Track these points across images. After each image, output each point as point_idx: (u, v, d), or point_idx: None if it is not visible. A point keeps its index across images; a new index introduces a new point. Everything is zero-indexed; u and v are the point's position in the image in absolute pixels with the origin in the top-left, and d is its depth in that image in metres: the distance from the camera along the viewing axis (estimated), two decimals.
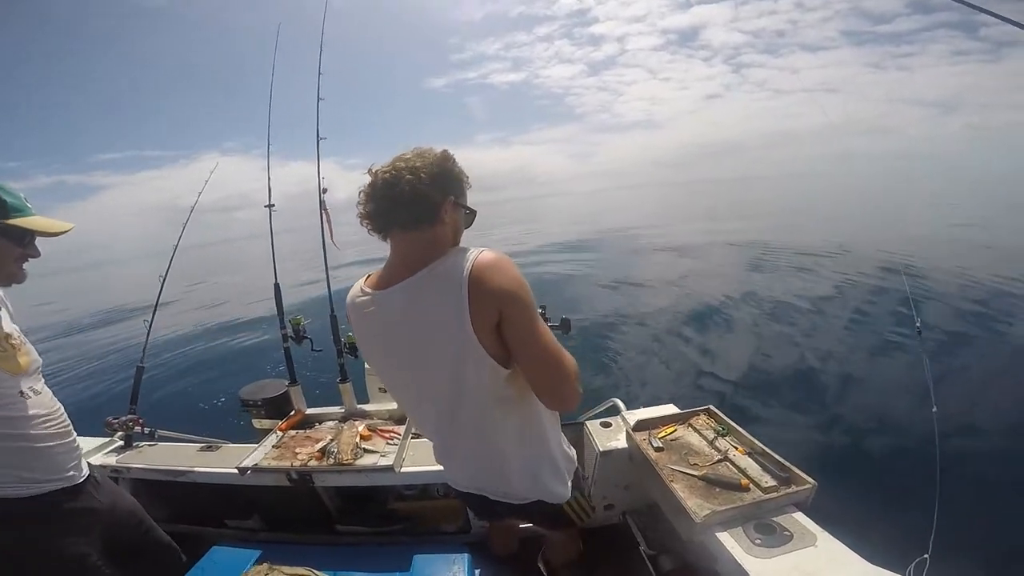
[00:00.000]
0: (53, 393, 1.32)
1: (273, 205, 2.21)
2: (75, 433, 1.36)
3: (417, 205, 0.99)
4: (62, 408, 1.32)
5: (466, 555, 1.51)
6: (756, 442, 1.51)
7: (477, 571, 1.52)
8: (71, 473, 1.31)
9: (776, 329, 6.07)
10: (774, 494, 1.30)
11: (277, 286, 2.17)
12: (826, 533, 1.17)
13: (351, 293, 1.14)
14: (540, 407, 1.11)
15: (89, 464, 1.40)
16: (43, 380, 1.30)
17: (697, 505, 1.31)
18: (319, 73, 2.19)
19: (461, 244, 1.10)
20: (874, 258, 9.39)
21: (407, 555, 1.52)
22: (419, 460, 1.76)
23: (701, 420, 1.74)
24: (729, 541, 1.19)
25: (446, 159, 1.05)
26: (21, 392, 1.18)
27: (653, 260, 12.55)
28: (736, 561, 1.12)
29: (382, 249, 1.10)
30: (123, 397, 2.09)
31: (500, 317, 0.97)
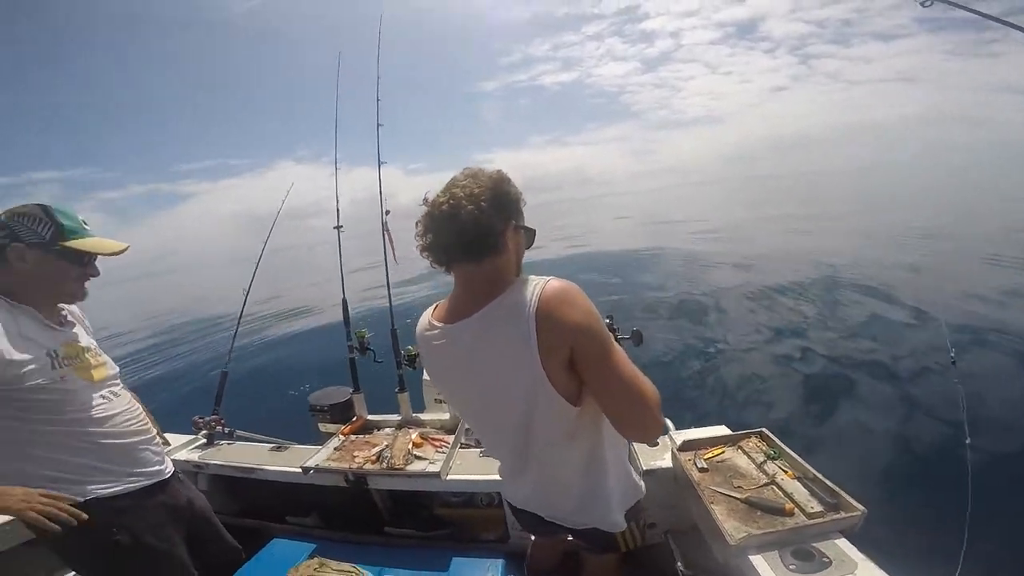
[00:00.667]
0: (148, 393, 1.52)
1: (341, 226, 2.44)
2: (155, 433, 1.49)
3: (480, 237, 0.97)
4: (141, 409, 1.46)
5: (501, 562, 1.59)
6: (807, 467, 1.45)
7: None
8: (156, 468, 1.43)
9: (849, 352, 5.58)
10: (819, 519, 1.25)
11: (345, 302, 2.38)
12: (870, 563, 1.11)
13: (420, 325, 1.16)
14: (607, 438, 1.11)
15: (173, 461, 1.56)
16: (121, 385, 1.43)
17: (734, 527, 1.29)
18: (377, 100, 2.38)
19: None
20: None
21: (446, 557, 1.62)
22: (465, 469, 1.85)
23: (752, 443, 1.69)
24: (762, 565, 1.16)
25: (502, 181, 1.03)
26: (102, 396, 1.31)
27: (721, 268, 11.93)
28: None
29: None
30: (209, 397, 2.37)
31: (571, 353, 0.95)
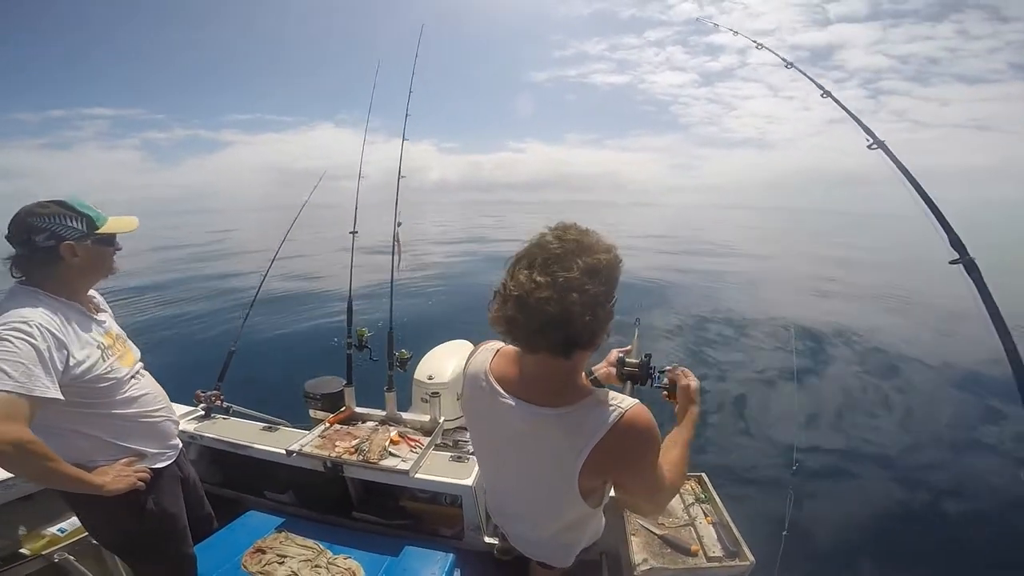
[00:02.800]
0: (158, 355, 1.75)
1: (356, 232, 2.69)
2: (173, 409, 1.70)
3: (587, 343, 0.92)
4: (161, 388, 1.66)
5: (451, 556, 1.82)
6: (725, 515, 1.68)
7: (458, 571, 1.82)
8: (176, 441, 1.67)
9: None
10: (716, 564, 1.48)
11: (350, 302, 2.64)
12: None
13: (476, 365, 1.13)
14: (599, 511, 1.20)
15: None
16: (143, 366, 1.62)
17: (642, 559, 1.53)
18: (406, 115, 2.58)
19: None
20: None
21: (401, 545, 1.86)
22: (434, 470, 2.10)
23: (689, 485, 1.92)
24: None
25: (617, 267, 0.94)
26: (135, 378, 1.52)
27: (730, 295, 11.97)
28: None
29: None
30: (214, 369, 2.68)
31: (613, 479, 1.01)
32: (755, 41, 2.12)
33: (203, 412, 2.53)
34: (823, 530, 3.43)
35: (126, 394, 1.47)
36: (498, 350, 1.13)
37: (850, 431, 5.17)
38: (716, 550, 1.53)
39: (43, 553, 1.87)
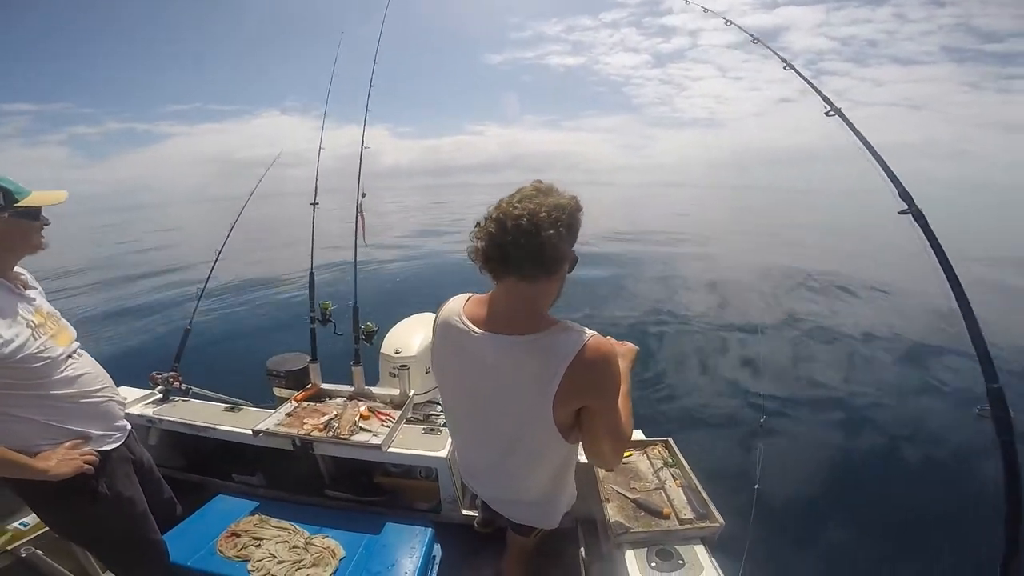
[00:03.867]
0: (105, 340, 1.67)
1: (317, 203, 2.58)
2: (114, 386, 1.64)
3: (551, 260, 1.03)
4: (100, 367, 1.60)
5: (430, 530, 1.85)
6: (693, 478, 1.77)
7: (437, 545, 1.86)
8: (123, 422, 1.62)
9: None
10: (687, 526, 1.57)
11: (312, 274, 2.57)
12: (716, 568, 1.43)
13: (448, 310, 1.20)
14: (573, 460, 1.29)
15: (126, 415, 1.71)
16: (79, 346, 1.56)
17: (617, 524, 1.60)
18: (370, 86, 2.49)
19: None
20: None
21: (380, 522, 1.88)
22: (407, 444, 2.12)
23: (656, 449, 2.01)
24: (631, 560, 1.47)
25: (578, 209, 1.08)
26: (71, 358, 1.46)
27: (685, 268, 12.41)
28: None
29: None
30: (168, 351, 2.57)
31: (584, 406, 1.07)
32: (725, 19, 2.16)
33: (161, 395, 2.45)
34: (790, 483, 3.62)
35: (63, 374, 1.41)
36: (469, 297, 1.21)
37: (809, 386, 5.49)
38: (687, 512, 1.61)
39: (8, 548, 1.82)
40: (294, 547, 1.76)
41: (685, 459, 1.89)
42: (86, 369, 1.51)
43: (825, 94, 1.56)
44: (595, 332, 1.08)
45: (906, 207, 1.15)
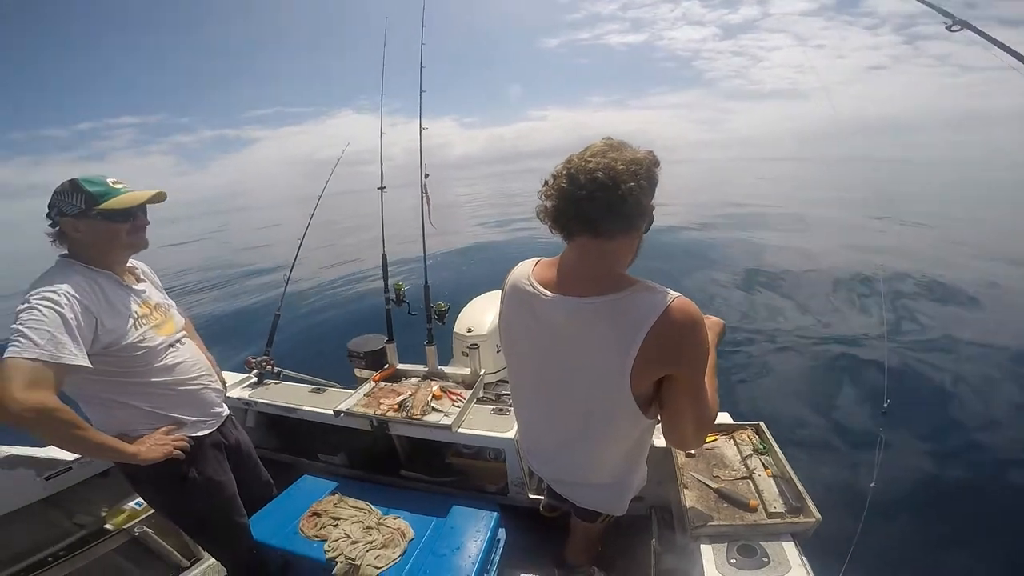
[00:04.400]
0: (211, 332, 1.80)
1: (384, 187, 2.62)
2: (216, 375, 1.72)
3: (634, 215, 0.96)
4: (203, 356, 1.69)
5: (495, 514, 1.82)
6: (787, 467, 1.55)
7: (502, 529, 1.82)
8: (219, 409, 1.69)
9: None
10: (777, 520, 1.37)
11: (384, 257, 2.61)
12: (806, 568, 1.22)
13: (517, 274, 1.15)
14: (648, 440, 1.20)
15: (226, 398, 1.82)
16: (185, 335, 1.64)
17: (696, 515, 1.43)
18: (420, 67, 2.45)
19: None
20: None
21: (448, 505, 1.88)
22: (476, 424, 2.09)
23: (745, 435, 1.79)
24: (708, 554, 1.31)
25: (656, 163, 1.00)
26: (172, 347, 1.53)
27: (779, 248, 11.21)
28: (704, 574, 1.24)
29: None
30: (262, 337, 2.75)
31: (666, 375, 0.99)
32: None
33: (256, 379, 2.61)
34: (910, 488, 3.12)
35: (162, 363, 1.49)
36: (538, 261, 1.16)
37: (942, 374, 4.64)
38: (777, 505, 1.40)
39: (124, 527, 2.02)
40: (368, 527, 1.80)
41: (779, 447, 1.66)
42: (185, 357, 1.58)
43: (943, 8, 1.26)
44: (680, 293, 0.97)
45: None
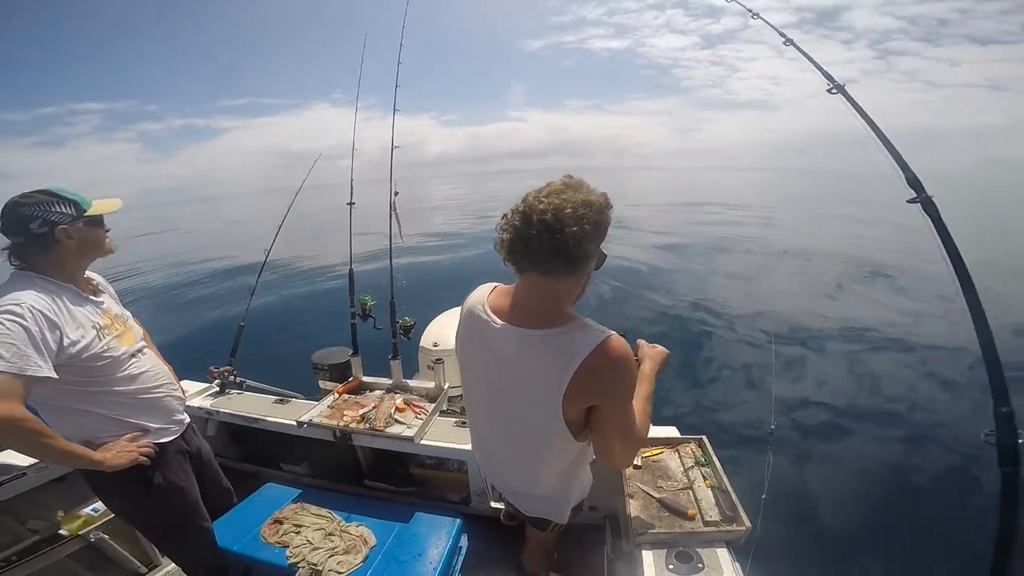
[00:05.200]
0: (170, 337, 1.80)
1: (353, 203, 2.67)
2: (176, 383, 1.75)
3: (573, 258, 1.00)
4: (163, 364, 1.72)
5: (458, 521, 1.89)
6: (724, 479, 1.68)
7: (464, 536, 1.90)
8: (181, 417, 1.72)
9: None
10: (712, 528, 1.50)
11: (351, 271, 2.66)
12: (738, 573, 1.35)
13: (473, 299, 1.23)
14: (586, 458, 1.30)
15: (187, 407, 1.87)
16: (145, 345, 1.67)
17: (639, 523, 1.55)
18: (396, 85, 2.54)
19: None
20: None
21: (411, 512, 1.94)
22: (439, 436, 2.17)
23: (689, 448, 1.93)
24: (649, 560, 1.42)
25: (607, 206, 1.05)
26: (134, 357, 1.56)
27: (736, 257, 11.80)
28: None
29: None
30: (225, 346, 2.75)
31: (593, 406, 1.09)
32: (751, 11, 2.01)
33: (218, 388, 2.62)
34: (803, 493, 3.48)
35: (125, 372, 1.52)
36: (495, 287, 1.24)
37: (825, 394, 5.15)
38: (713, 514, 1.53)
39: (80, 533, 1.99)
40: (330, 534, 1.84)
41: (719, 459, 1.80)
42: (147, 367, 1.62)
43: (829, 71, 1.40)
44: (614, 332, 1.06)
45: (915, 195, 1.02)
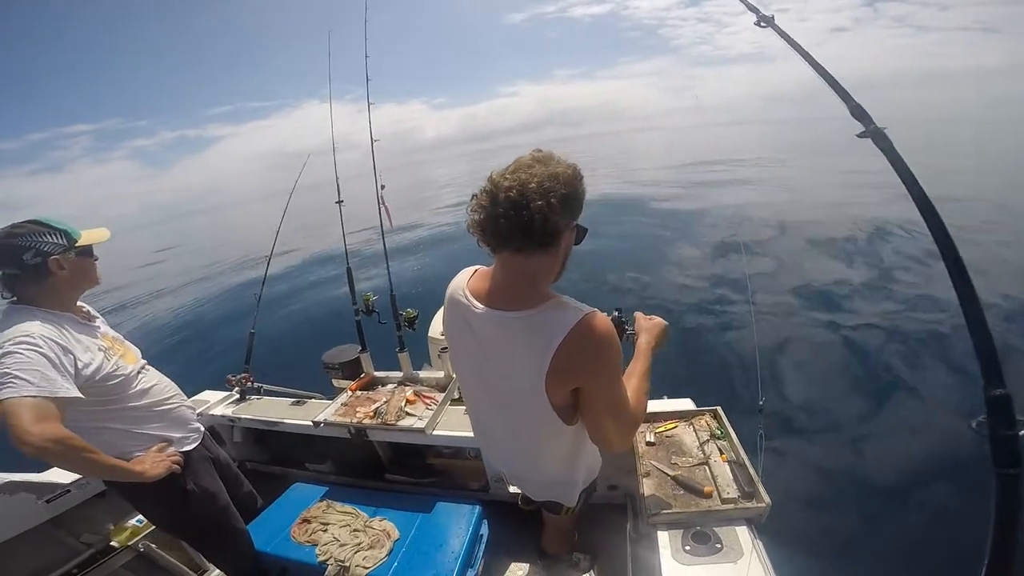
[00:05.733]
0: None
1: (342, 201, 2.62)
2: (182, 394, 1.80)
3: (541, 234, 0.97)
4: (167, 378, 1.76)
5: (478, 508, 1.91)
6: (741, 452, 1.62)
7: (485, 523, 1.91)
8: (197, 425, 1.79)
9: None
10: (730, 506, 1.44)
11: (349, 270, 2.64)
12: (759, 552, 1.30)
13: (454, 284, 1.20)
14: (584, 441, 1.24)
15: (211, 415, 1.94)
16: (146, 362, 1.71)
17: (654, 502, 1.50)
18: (367, 79, 2.44)
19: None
20: None
21: (432, 502, 1.97)
22: (450, 426, 2.16)
23: (704, 420, 1.86)
24: (664, 541, 1.39)
25: (576, 178, 1.01)
26: (141, 373, 1.62)
27: (756, 223, 11.40)
28: (660, 560, 1.32)
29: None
30: (240, 353, 2.79)
31: (578, 388, 1.05)
32: None
33: (238, 395, 2.67)
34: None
35: (137, 387, 1.57)
36: (476, 270, 1.20)
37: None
38: (731, 491, 1.47)
39: (129, 544, 2.09)
40: (355, 530, 1.88)
41: (734, 431, 1.74)
42: (155, 381, 1.67)
43: (754, 4, 1.24)
44: (594, 309, 1.02)
45: (863, 128, 0.89)
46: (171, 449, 1.62)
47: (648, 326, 1.37)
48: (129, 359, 1.61)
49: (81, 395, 1.33)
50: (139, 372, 1.62)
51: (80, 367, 1.38)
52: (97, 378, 1.43)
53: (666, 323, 1.40)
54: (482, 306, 1.09)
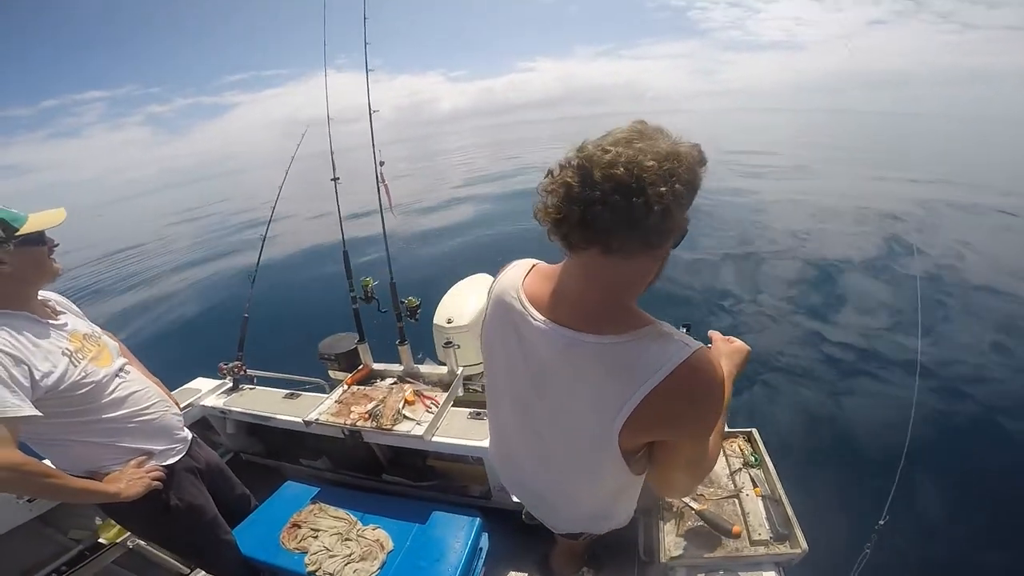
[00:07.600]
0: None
1: (338, 178, 2.41)
2: (169, 398, 1.67)
3: (655, 231, 0.73)
4: (151, 381, 1.62)
5: (477, 520, 1.78)
6: (778, 485, 1.45)
7: (485, 535, 1.79)
8: (183, 434, 1.65)
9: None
10: (761, 549, 1.28)
11: (345, 253, 2.43)
12: None
13: (505, 282, 0.98)
14: (639, 485, 1.06)
15: (202, 406, 1.81)
16: (126, 361, 1.56)
17: (673, 543, 1.35)
18: (365, 43, 2.26)
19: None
20: None
21: (428, 511, 1.84)
22: (451, 432, 2.01)
23: (737, 444, 1.68)
24: None
25: (701, 163, 0.76)
26: (119, 377, 1.45)
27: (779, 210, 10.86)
28: None
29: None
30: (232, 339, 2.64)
31: (664, 439, 0.87)
32: None
33: (231, 384, 2.54)
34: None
35: (112, 396, 1.42)
36: (534, 265, 0.97)
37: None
38: (763, 531, 1.30)
39: (118, 541, 2.02)
40: (347, 540, 1.78)
41: (770, 459, 1.55)
42: (134, 388, 1.51)
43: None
44: (700, 344, 0.78)
45: None
46: (152, 463, 1.47)
47: (728, 351, 1.10)
48: (103, 360, 1.44)
49: (38, 412, 1.18)
50: (115, 376, 1.45)
51: (38, 378, 1.22)
52: (60, 388, 1.27)
53: (749, 348, 1.13)
54: (543, 318, 0.86)
